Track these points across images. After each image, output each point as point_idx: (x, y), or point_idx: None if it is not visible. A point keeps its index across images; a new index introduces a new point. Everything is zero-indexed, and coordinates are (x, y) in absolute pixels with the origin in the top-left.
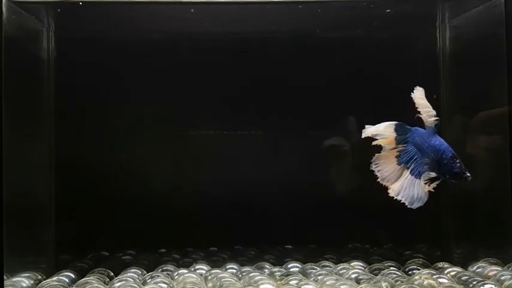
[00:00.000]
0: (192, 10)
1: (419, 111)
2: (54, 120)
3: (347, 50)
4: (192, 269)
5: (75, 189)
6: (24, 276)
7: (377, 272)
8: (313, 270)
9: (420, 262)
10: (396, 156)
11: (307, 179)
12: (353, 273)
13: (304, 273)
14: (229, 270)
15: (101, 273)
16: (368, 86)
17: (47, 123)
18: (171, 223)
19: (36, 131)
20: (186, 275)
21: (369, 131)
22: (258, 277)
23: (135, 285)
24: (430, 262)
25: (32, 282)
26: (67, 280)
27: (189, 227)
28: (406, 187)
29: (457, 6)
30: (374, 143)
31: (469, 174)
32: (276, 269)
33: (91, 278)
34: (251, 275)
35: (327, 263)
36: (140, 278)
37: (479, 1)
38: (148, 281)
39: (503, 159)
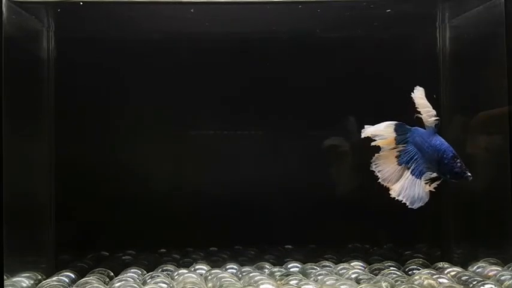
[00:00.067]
0: (192, 10)
1: (419, 111)
2: (54, 120)
3: (347, 50)
4: (192, 269)
5: (75, 189)
6: (24, 276)
7: (377, 272)
8: (313, 270)
9: (420, 262)
10: (396, 157)
11: (307, 179)
12: (353, 273)
13: (304, 273)
14: (229, 270)
15: (101, 273)
16: (368, 86)
17: (47, 123)
18: (171, 223)
19: (36, 131)
20: (186, 275)
21: (368, 131)
22: (258, 277)
23: (135, 285)
24: (430, 262)
25: (32, 282)
26: (67, 280)
27: (189, 227)
28: (407, 187)
29: (457, 6)
30: (373, 143)
31: (469, 174)
32: (276, 269)
33: (91, 278)
34: (251, 275)
35: (327, 263)
36: (140, 278)
37: (479, 1)
38: (148, 281)
39: (503, 159)
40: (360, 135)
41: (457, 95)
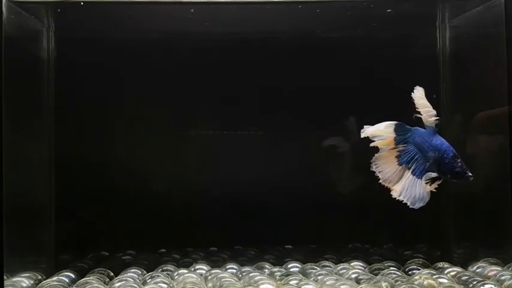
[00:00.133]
0: (192, 10)
1: (419, 111)
2: (54, 120)
3: (347, 50)
4: (192, 269)
5: (75, 189)
6: (24, 276)
7: (377, 272)
8: (313, 270)
9: (420, 262)
10: (396, 157)
11: (307, 179)
12: (353, 273)
13: (304, 273)
14: (229, 270)
15: (101, 273)
16: (368, 86)
17: (47, 123)
18: (171, 223)
19: (36, 131)
20: (186, 275)
21: (368, 131)
22: (258, 277)
23: (135, 285)
24: (430, 262)
25: (32, 282)
26: (67, 280)
27: (189, 227)
28: (408, 187)
29: (457, 6)
30: (372, 144)
31: (470, 174)
32: (276, 269)
33: (91, 278)
34: (251, 275)
35: (327, 263)
36: (140, 278)
37: (479, 1)
38: (148, 281)
39: (503, 159)
40: (360, 135)
41: (457, 95)
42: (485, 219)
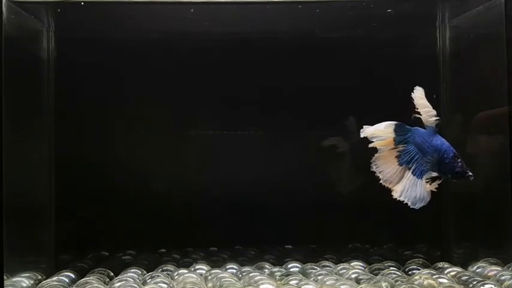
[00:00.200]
0: (192, 10)
1: (418, 111)
2: (54, 120)
3: (347, 50)
4: (192, 269)
5: (75, 189)
6: (24, 276)
7: (377, 272)
8: (313, 270)
9: (420, 262)
10: (396, 157)
11: (307, 179)
12: (353, 273)
13: (304, 273)
14: (229, 270)
15: (101, 273)
16: (368, 86)
17: (47, 123)
18: (171, 223)
19: (36, 131)
20: (186, 275)
21: (368, 131)
22: (258, 277)
23: (135, 285)
24: (430, 262)
25: (32, 282)
26: (67, 280)
27: (189, 227)
28: (408, 188)
29: (457, 6)
30: (370, 145)
31: (471, 174)
32: (276, 269)
33: (91, 278)
34: (251, 275)
35: (327, 263)
36: (140, 278)
37: (479, 1)
38: (148, 281)
39: (503, 159)
40: (360, 135)
41: (457, 95)
42: (485, 219)
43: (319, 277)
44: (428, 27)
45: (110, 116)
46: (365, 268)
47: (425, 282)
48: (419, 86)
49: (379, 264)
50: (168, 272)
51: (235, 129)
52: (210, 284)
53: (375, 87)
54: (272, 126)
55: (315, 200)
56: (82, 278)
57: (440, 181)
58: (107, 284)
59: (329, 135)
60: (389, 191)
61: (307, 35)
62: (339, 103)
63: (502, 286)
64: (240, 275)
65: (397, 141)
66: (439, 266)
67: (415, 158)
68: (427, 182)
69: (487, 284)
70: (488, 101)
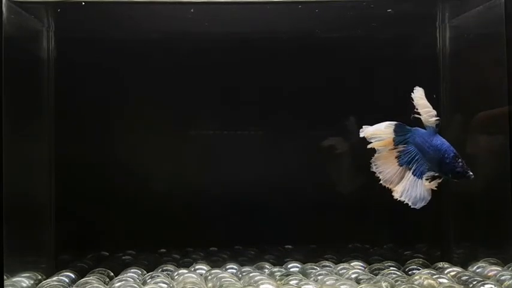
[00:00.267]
0: (192, 10)
1: (418, 111)
2: (54, 120)
3: (347, 50)
4: (192, 269)
5: (75, 189)
6: (24, 276)
7: (377, 272)
8: (313, 270)
9: (420, 262)
10: (396, 157)
11: (307, 178)
12: (353, 273)
13: (304, 273)
14: (229, 270)
15: (101, 273)
16: (368, 86)
17: (47, 123)
18: (171, 223)
19: (36, 131)
20: (186, 275)
21: (367, 131)
22: (258, 277)
23: (135, 285)
24: (430, 262)
25: (32, 282)
26: (67, 280)
27: (189, 227)
28: (409, 188)
29: (457, 6)
30: (369, 146)
31: (471, 173)
32: (276, 269)
33: (91, 278)
34: (251, 275)
35: (327, 263)
36: (140, 278)
37: (479, 1)
38: (148, 281)
39: (503, 159)
40: (360, 135)
41: (457, 95)
42: (485, 219)
43: (319, 277)
44: (428, 27)
45: (110, 116)
46: (365, 268)
47: (425, 282)
48: (419, 86)
49: (379, 264)
50: (168, 272)
51: (235, 129)
52: (210, 284)
53: (374, 87)
54: (272, 126)
55: (315, 200)
56: (82, 278)
57: (440, 180)
58: (107, 284)
59: (329, 135)
60: (389, 191)
61: (307, 35)
62: (338, 103)
63: (502, 286)
64: (240, 275)
65: (397, 142)
66: (439, 266)
67: (416, 159)
68: (427, 179)
69: (487, 284)
70: (488, 101)
